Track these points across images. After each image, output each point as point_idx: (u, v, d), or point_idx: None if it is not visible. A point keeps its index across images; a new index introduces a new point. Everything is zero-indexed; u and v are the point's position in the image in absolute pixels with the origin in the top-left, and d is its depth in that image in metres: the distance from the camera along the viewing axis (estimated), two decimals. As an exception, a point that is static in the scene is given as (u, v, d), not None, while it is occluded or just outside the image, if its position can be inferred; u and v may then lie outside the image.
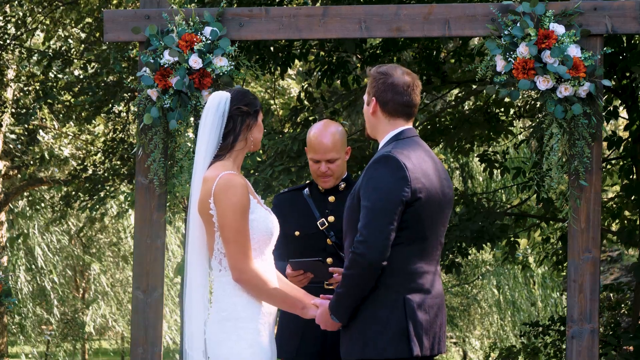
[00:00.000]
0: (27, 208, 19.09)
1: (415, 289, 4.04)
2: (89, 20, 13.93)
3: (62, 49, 13.77)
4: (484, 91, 8.93)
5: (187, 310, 4.25)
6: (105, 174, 14.03)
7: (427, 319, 4.05)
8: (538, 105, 9.83)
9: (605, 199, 11.41)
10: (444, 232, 4.20)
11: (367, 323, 4.03)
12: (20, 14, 13.56)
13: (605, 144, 9.21)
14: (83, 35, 14.21)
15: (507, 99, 10.06)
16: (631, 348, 8.86)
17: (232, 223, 4.08)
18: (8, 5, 13.19)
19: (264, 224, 4.18)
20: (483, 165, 10.91)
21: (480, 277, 19.19)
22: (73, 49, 13.89)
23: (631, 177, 9.24)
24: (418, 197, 4.01)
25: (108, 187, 14.24)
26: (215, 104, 4.22)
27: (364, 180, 4.05)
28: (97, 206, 14.34)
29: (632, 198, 9.41)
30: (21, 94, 15.17)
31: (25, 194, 18.22)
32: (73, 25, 14.19)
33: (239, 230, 4.09)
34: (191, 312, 4.23)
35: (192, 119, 5.30)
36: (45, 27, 14.03)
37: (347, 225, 4.16)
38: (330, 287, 4.76)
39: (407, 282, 4.03)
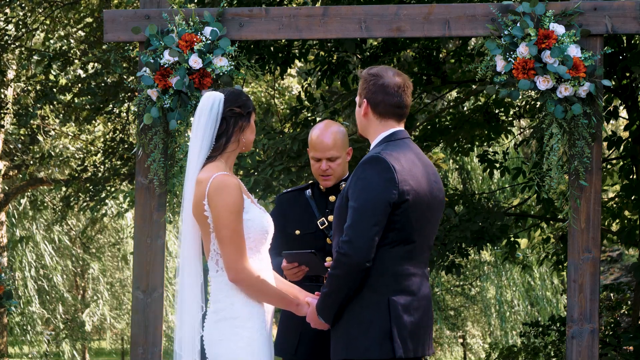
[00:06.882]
0: (29, 209, 19.07)
1: (400, 291, 4.03)
2: (89, 20, 13.92)
3: (63, 48, 13.76)
4: (484, 91, 8.93)
5: (178, 311, 4.25)
6: (106, 174, 14.02)
7: (411, 321, 4.04)
8: (538, 105, 9.83)
9: (605, 199, 11.41)
10: (433, 235, 4.19)
11: (352, 324, 4.04)
12: (21, 14, 13.55)
13: (605, 144, 9.21)
14: (83, 34, 14.19)
15: (507, 99, 10.06)
16: (631, 348, 8.86)
17: (227, 223, 4.08)
18: (8, 6, 13.17)
19: (259, 223, 4.19)
20: (483, 165, 10.90)
21: (480, 278, 19.17)
22: (73, 49, 13.87)
23: (631, 177, 9.24)
24: (406, 199, 4.01)
25: (108, 187, 14.23)
26: (209, 105, 4.19)
27: (353, 180, 4.06)
28: (98, 206, 14.33)
29: (632, 198, 9.40)
30: (22, 94, 15.15)
31: (27, 194, 18.20)
32: (73, 25, 14.18)
33: (233, 231, 4.09)
34: (182, 313, 4.24)
35: (192, 119, 5.30)
36: (45, 27, 14.01)
37: (335, 225, 4.17)
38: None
39: (393, 283, 4.03)
